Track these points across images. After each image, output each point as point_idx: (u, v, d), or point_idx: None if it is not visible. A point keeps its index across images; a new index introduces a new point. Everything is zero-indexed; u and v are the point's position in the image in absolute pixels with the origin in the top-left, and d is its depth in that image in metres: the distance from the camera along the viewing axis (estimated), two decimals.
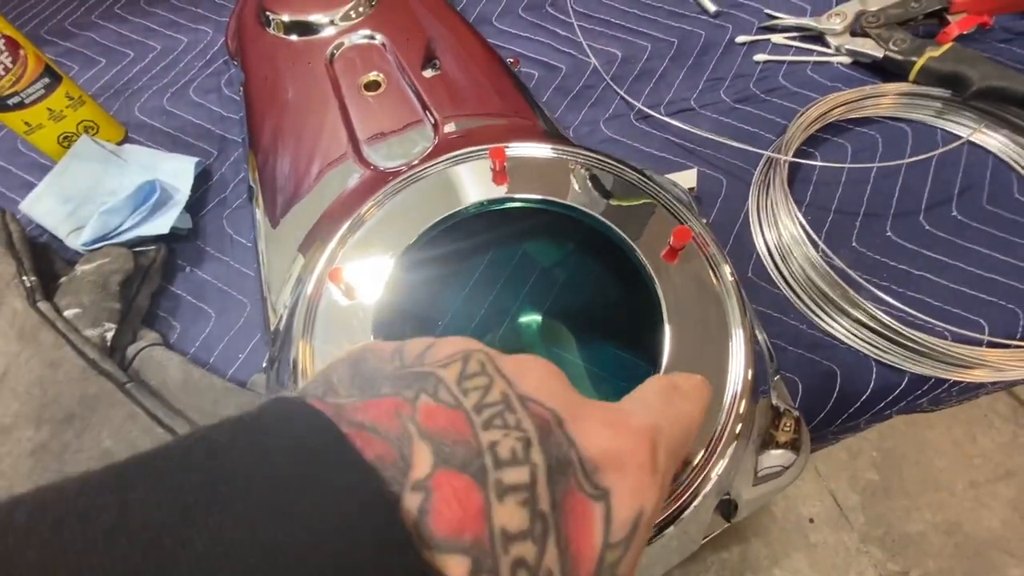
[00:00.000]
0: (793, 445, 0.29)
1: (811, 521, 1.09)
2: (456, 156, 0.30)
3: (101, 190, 0.41)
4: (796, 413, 0.29)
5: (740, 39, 0.48)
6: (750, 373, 0.23)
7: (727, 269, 0.26)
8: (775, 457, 0.28)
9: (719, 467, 0.22)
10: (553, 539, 0.10)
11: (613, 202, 0.28)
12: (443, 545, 0.09)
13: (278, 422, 0.10)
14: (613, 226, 0.26)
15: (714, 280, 0.25)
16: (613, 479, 0.11)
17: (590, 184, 0.29)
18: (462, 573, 0.09)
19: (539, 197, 0.28)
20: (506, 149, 0.28)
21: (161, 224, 0.38)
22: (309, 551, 0.08)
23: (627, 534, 0.11)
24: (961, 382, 0.34)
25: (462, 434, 0.10)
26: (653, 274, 0.25)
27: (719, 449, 0.22)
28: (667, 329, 0.24)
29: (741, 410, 0.23)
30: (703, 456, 0.22)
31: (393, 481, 0.10)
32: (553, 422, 0.11)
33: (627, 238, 0.26)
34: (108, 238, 0.38)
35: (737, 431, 0.23)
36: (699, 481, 0.22)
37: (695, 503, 0.21)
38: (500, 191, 0.29)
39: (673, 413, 0.14)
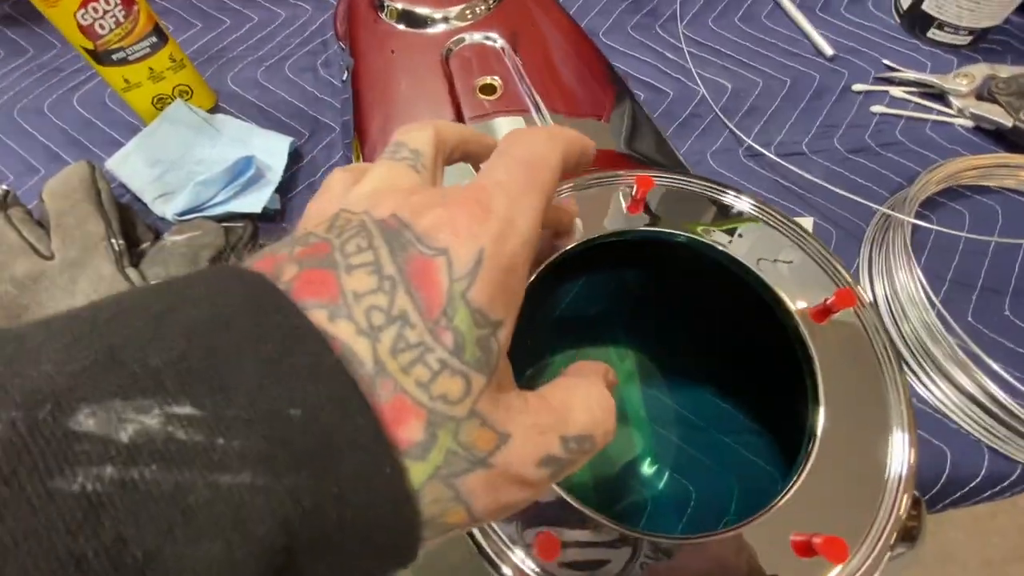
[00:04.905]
0: (911, 533, 0.27)
1: None
2: (587, 180, 0.29)
3: (190, 158, 0.40)
4: (917, 494, 0.27)
5: (856, 87, 0.46)
6: (912, 457, 0.22)
7: (883, 335, 0.24)
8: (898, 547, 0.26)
9: None
10: (402, 289, 0.12)
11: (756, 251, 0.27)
12: (304, 305, 0.12)
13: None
14: (768, 281, 0.25)
15: (872, 348, 0.24)
16: (447, 238, 0.13)
17: (727, 224, 0.28)
18: (322, 318, 0.12)
19: (705, 241, 0.26)
20: (655, 179, 0.27)
21: (254, 202, 0.37)
22: (191, 307, 0.11)
23: (471, 268, 0.12)
24: None
25: (322, 251, 0.13)
26: (808, 339, 0.23)
27: (864, 568, 0.20)
28: (822, 405, 0.22)
29: (900, 513, 0.21)
30: (843, 572, 0.20)
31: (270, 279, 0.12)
32: (393, 221, 0.13)
33: (783, 296, 0.24)
34: (200, 210, 0.37)
35: (892, 541, 0.20)
36: None
37: None
38: (635, 221, 0.27)
39: (519, 156, 0.15)
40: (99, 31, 0.37)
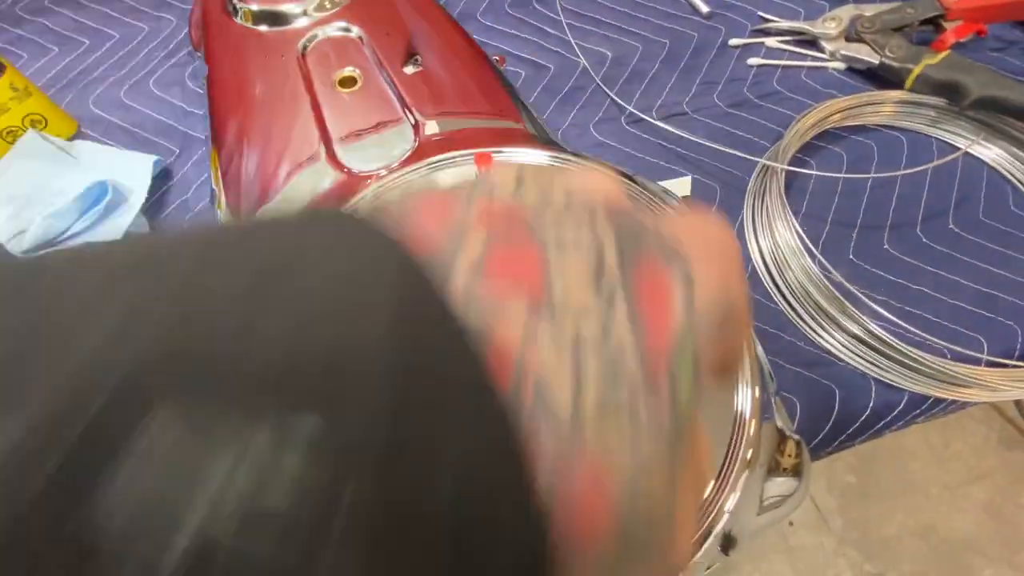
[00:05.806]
0: (795, 471, 0.27)
1: (790, 524, 1.09)
2: (438, 161, 0.28)
3: (48, 190, 0.38)
4: (797, 437, 0.28)
5: (733, 42, 0.46)
6: (757, 391, 0.22)
7: None
8: (778, 485, 0.26)
9: (731, 500, 0.20)
10: (623, 307, 0.08)
11: None
12: (496, 309, 0.08)
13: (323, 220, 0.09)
14: None
15: None
16: (690, 247, 0.09)
17: None
18: (513, 336, 0.07)
19: None
20: (494, 155, 0.26)
21: (114, 228, 0.35)
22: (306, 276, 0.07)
23: (711, 303, 0.09)
24: (958, 401, 0.33)
25: (519, 217, 0.09)
26: None
27: (731, 479, 0.20)
28: None
29: (751, 433, 0.21)
30: (714, 488, 0.20)
31: (441, 263, 0.08)
32: (623, 207, 0.09)
33: None
34: (54, 244, 0.35)
35: (748, 457, 0.21)
36: (712, 516, 0.20)
37: (706, 544, 0.20)
38: None
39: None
40: None
